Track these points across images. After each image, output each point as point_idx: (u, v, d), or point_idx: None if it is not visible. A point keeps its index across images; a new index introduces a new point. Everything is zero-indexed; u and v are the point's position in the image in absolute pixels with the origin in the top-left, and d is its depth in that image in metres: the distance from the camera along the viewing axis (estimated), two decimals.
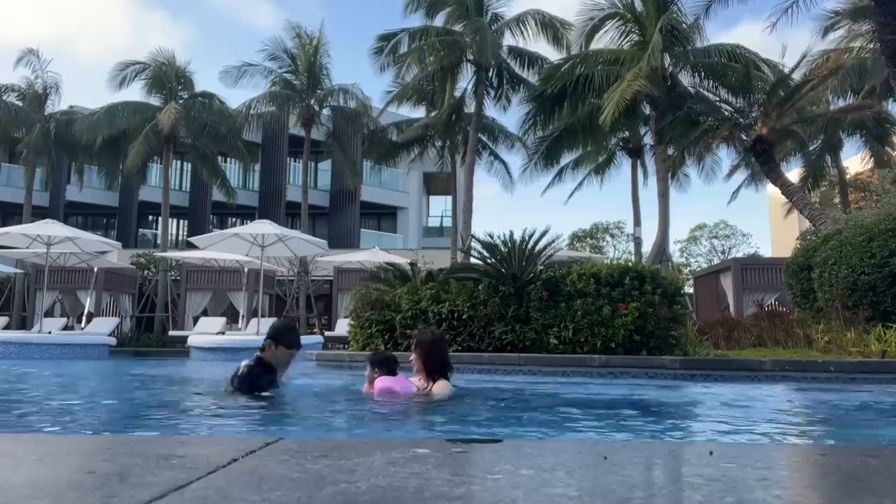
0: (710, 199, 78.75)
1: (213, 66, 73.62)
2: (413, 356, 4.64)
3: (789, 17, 14.65)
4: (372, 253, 18.69)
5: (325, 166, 32.15)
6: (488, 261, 8.25)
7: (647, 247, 21.31)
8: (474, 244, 8.68)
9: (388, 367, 4.59)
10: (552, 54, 21.36)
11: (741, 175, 23.89)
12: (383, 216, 34.87)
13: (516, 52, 21.81)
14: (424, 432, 3.39)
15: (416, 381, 4.59)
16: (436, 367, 4.58)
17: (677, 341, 7.91)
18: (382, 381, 4.46)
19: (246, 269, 18.63)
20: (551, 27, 20.69)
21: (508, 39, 21.64)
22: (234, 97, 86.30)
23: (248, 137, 25.34)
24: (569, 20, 20.34)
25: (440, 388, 4.48)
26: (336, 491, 1.34)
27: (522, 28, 21.01)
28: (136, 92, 23.66)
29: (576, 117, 18.88)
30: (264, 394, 4.43)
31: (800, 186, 19.90)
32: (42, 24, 53.19)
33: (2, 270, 19.75)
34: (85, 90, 63.72)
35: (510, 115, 28.91)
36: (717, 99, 17.75)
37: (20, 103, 23.87)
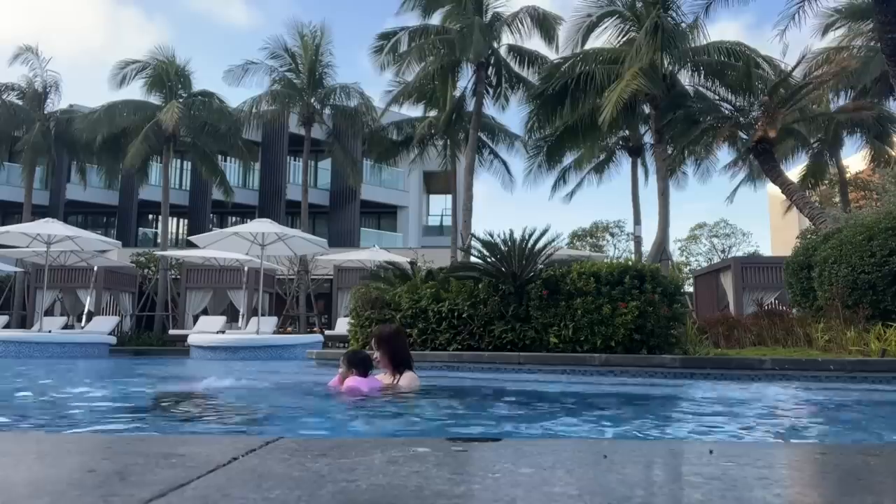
0: (710, 198, 78.83)
1: (193, 64, 73.08)
2: (377, 353, 4.63)
3: (796, 23, 14.57)
4: (372, 252, 18.68)
5: (326, 165, 32.13)
6: (488, 259, 8.24)
7: (647, 245, 21.30)
8: (474, 243, 8.68)
9: (364, 367, 4.59)
10: (545, 50, 21.37)
11: (740, 173, 23.85)
12: (383, 215, 34.86)
13: (516, 51, 21.77)
14: (421, 431, 3.39)
15: (382, 377, 4.59)
16: (401, 360, 4.59)
17: (677, 340, 7.91)
18: (352, 381, 4.45)
19: (246, 268, 18.62)
20: (545, 23, 20.68)
21: (507, 38, 21.67)
22: (233, 96, 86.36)
23: (248, 136, 25.35)
24: (564, 17, 20.42)
25: (408, 380, 4.48)
26: (336, 490, 1.34)
27: (519, 25, 21.01)
28: (135, 90, 23.68)
29: (577, 116, 18.85)
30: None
31: (800, 185, 19.89)
32: (14, 24, 52.75)
33: (2, 269, 19.73)
34: (64, 90, 63.30)
35: (512, 114, 28.97)
36: (717, 98, 17.73)
37: (20, 102, 23.86)
